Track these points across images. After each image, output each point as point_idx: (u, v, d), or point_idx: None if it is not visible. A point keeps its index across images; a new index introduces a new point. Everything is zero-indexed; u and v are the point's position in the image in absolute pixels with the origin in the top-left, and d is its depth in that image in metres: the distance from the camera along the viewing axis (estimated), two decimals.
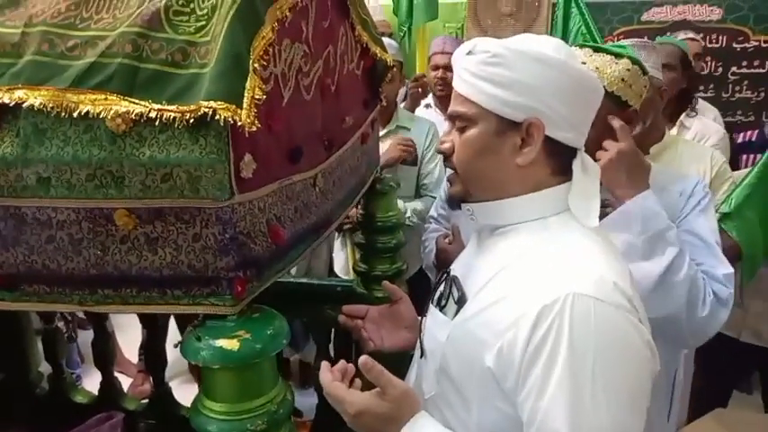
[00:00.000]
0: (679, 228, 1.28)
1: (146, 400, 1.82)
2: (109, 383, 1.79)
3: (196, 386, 2.89)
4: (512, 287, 0.83)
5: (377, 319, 1.15)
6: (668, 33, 3.22)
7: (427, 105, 2.99)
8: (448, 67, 2.82)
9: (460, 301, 0.91)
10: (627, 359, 0.78)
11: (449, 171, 0.96)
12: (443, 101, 2.89)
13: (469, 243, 1.06)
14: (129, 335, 3.03)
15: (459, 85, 0.91)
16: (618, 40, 3.65)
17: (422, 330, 1.01)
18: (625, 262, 0.92)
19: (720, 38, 3.65)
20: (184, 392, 1.82)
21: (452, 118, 0.93)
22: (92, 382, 1.82)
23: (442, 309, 0.96)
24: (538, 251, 0.85)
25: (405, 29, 3.50)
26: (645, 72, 1.28)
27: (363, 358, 0.85)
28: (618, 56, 1.24)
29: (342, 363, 0.94)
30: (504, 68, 0.85)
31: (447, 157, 0.93)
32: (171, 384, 1.77)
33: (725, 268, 1.28)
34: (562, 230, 0.87)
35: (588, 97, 0.90)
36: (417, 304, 1.17)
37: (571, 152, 0.90)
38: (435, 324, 0.96)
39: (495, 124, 0.87)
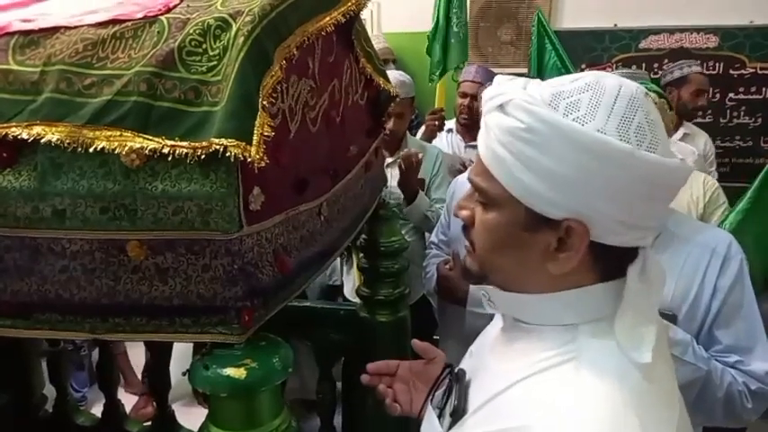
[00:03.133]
0: (715, 296, 1.20)
1: (148, 423, 1.83)
2: (112, 406, 1.80)
3: (199, 409, 2.90)
4: (517, 418, 0.65)
5: (407, 378, 1.00)
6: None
7: (449, 130, 3.01)
8: (475, 97, 2.81)
9: (455, 414, 0.75)
10: None
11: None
12: (466, 128, 2.91)
13: (496, 323, 0.87)
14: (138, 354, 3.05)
15: (481, 146, 0.70)
16: (616, 66, 3.72)
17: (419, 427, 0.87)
18: (675, 407, 0.69)
19: (717, 65, 3.72)
20: (187, 415, 1.83)
21: (473, 185, 0.73)
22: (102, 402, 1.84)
23: (440, 412, 0.79)
24: (559, 372, 0.66)
25: (438, 70, 3.32)
26: (671, 107, 1.28)
27: None
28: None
29: None
30: (539, 151, 0.62)
31: (465, 227, 0.77)
32: (173, 407, 1.78)
33: (766, 363, 1.18)
34: (591, 351, 0.66)
35: (664, 194, 0.67)
36: (420, 330, 1.19)
37: (629, 252, 0.67)
38: (428, 430, 0.82)
39: (524, 217, 0.66)
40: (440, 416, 0.79)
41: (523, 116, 0.63)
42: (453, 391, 0.78)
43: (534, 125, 0.62)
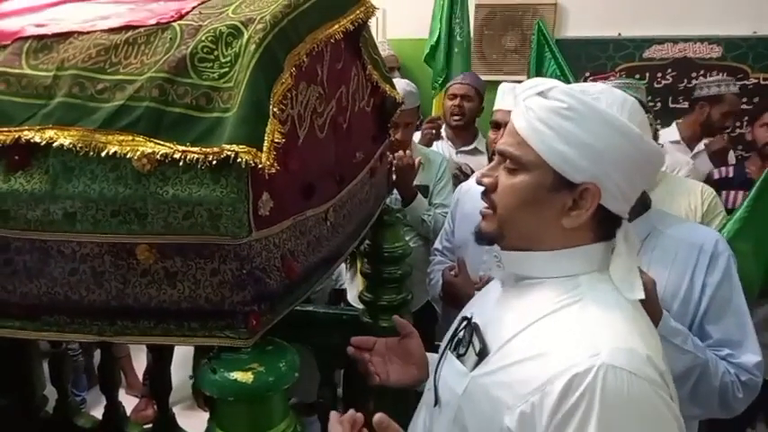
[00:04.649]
0: (704, 292, 1.25)
1: (149, 425, 1.83)
2: (113, 408, 1.80)
3: (199, 412, 2.90)
4: (539, 347, 0.80)
5: (383, 353, 1.14)
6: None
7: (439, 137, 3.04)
8: (465, 97, 2.86)
9: (482, 354, 0.88)
10: None
11: (481, 203, 0.93)
12: (457, 131, 2.93)
13: (491, 289, 1.03)
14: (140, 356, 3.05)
15: (521, 123, 0.85)
16: (620, 75, 3.73)
17: (437, 376, 0.98)
18: (657, 334, 0.88)
19: (721, 75, 3.72)
20: (187, 418, 1.83)
21: (503, 156, 0.88)
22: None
23: (459, 356, 0.93)
24: (569, 311, 0.82)
25: (441, 78, 3.34)
26: (648, 110, 1.31)
27: (379, 417, 0.86)
28: None
29: (350, 413, 0.93)
30: (576, 126, 0.81)
31: (486, 192, 0.91)
32: (174, 410, 1.78)
33: (755, 355, 1.24)
34: (593, 292, 0.84)
35: (651, 173, 0.88)
36: (423, 337, 1.19)
37: (617, 220, 0.87)
38: (452, 373, 0.93)
39: (551, 179, 0.83)
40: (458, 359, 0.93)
41: (566, 98, 0.82)
42: (474, 337, 0.91)
43: (576, 105, 0.81)
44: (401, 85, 2.39)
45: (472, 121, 2.96)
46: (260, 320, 0.85)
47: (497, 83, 2.17)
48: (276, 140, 0.80)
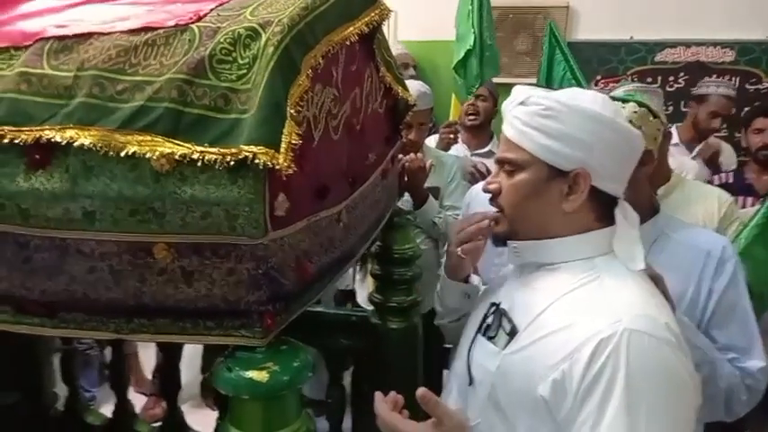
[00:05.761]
0: (711, 297, 1.26)
1: (158, 424, 1.84)
2: (123, 406, 1.81)
3: (207, 410, 2.91)
4: (565, 320, 0.88)
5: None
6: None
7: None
8: (479, 97, 2.94)
9: (512, 333, 0.96)
10: (677, 393, 0.84)
11: (492, 209, 1.03)
12: (472, 132, 2.96)
13: (509, 277, 1.10)
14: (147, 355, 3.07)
15: (510, 131, 0.97)
16: (631, 79, 3.72)
17: (469, 358, 1.05)
18: (668, 305, 0.96)
19: (734, 79, 3.71)
20: (195, 416, 1.84)
21: (501, 163, 1.00)
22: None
23: (490, 339, 1.00)
24: (589, 287, 0.91)
25: (477, 84, 3.31)
26: (655, 115, 1.31)
27: (421, 391, 0.88)
28: (624, 101, 1.28)
29: (392, 394, 0.97)
30: (557, 122, 0.92)
31: (493, 197, 1.01)
32: (182, 408, 1.79)
33: (760, 360, 1.24)
34: (610, 270, 0.93)
35: (631, 152, 0.98)
36: (434, 339, 1.20)
37: (613, 200, 0.97)
38: (484, 354, 1.01)
39: (546, 172, 0.94)
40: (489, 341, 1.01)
41: (543, 101, 0.93)
42: (503, 319, 0.99)
43: (552, 105, 0.92)
44: (414, 86, 2.39)
45: (487, 121, 2.98)
46: (275, 320, 0.86)
47: (509, 85, 2.16)
48: (293, 142, 0.80)
